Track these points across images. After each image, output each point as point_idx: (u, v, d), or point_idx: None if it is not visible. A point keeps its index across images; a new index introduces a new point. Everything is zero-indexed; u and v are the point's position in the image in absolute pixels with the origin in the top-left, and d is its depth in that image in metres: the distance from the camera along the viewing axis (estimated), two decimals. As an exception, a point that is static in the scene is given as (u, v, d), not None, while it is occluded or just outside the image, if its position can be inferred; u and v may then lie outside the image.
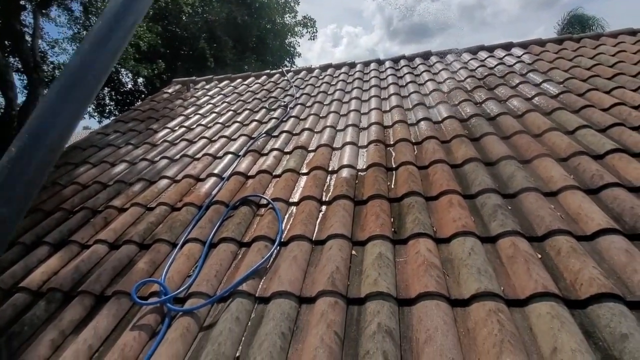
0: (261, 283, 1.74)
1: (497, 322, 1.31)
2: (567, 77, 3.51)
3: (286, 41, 14.98)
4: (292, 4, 14.26)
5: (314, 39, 15.85)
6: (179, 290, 1.76)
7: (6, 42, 6.13)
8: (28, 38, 6.62)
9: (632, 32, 4.57)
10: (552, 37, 4.83)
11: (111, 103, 13.41)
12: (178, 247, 2.08)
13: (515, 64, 4.18)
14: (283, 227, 2.09)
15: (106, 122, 14.10)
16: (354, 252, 1.86)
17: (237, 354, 1.42)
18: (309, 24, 15.32)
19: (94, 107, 12.64)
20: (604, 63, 3.74)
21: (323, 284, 1.60)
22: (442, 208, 2.02)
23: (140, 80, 13.09)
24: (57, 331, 1.67)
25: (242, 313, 1.58)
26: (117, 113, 13.13)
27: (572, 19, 17.30)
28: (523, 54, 4.47)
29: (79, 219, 2.58)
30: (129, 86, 13.50)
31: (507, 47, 4.84)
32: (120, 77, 12.86)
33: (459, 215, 1.87)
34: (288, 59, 15.56)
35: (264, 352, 1.35)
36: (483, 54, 4.76)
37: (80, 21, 9.23)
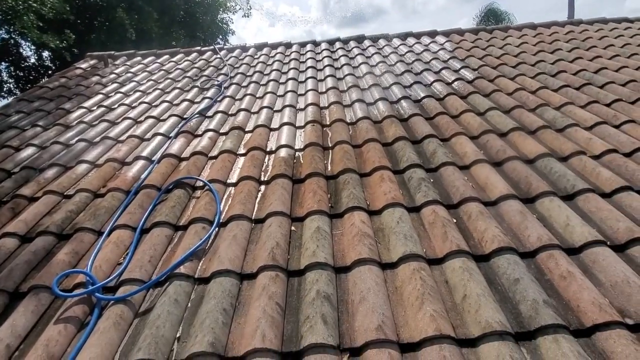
0: (200, 264, 1.72)
1: (420, 279, 1.49)
2: (481, 64, 3.93)
3: (218, 17, 14.08)
4: (222, -23, 13.37)
5: (248, 17, 15.17)
6: (108, 279, 1.66)
7: None
8: None
9: (533, 27, 5.23)
10: (470, 28, 5.32)
11: (10, 80, 11.38)
12: (105, 235, 1.93)
13: (438, 50, 4.52)
14: (221, 208, 2.06)
15: (5, 102, 12.02)
16: (293, 228, 1.92)
17: (178, 335, 1.41)
18: None
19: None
20: (510, 53, 4.25)
21: (264, 259, 1.64)
22: (374, 183, 2.17)
23: (46, 54, 11.28)
24: (-40, 336, 1.47)
25: (181, 295, 1.56)
26: (17, 92, 11.21)
27: (488, 12, 19.08)
28: (445, 42, 4.86)
29: (-22, 212, 2.23)
30: (32, 61, 11.56)
31: (432, 34, 5.21)
32: (21, 50, 10.95)
33: (389, 189, 2.04)
34: (221, 37, 14.68)
35: (205, 329, 1.36)
36: (411, 40, 5.07)
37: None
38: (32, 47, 11.41)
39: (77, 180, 2.50)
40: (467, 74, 3.70)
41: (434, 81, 3.60)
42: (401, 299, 1.47)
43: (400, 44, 4.94)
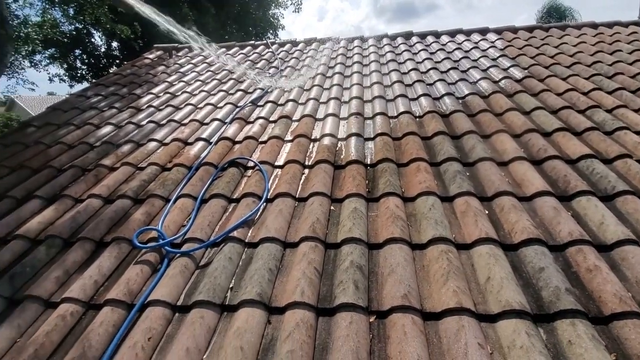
0: (250, 231, 1.97)
1: (447, 259, 1.61)
2: (532, 63, 3.83)
3: (270, 12, 14.59)
4: (277, -26, 13.83)
5: (298, 12, 15.50)
6: (175, 237, 1.96)
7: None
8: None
9: (594, 26, 4.93)
10: (524, 25, 5.13)
11: (83, 67, 12.74)
12: (172, 201, 2.26)
13: (488, 48, 4.45)
14: (269, 186, 2.30)
15: (79, 86, 13.45)
16: (332, 207, 2.11)
17: (231, 285, 1.67)
18: (293, -5, 14.94)
19: (64, 70, 12.01)
20: (565, 52, 4.09)
21: (305, 231, 1.85)
22: (410, 173, 2.30)
23: (115, 44, 12.46)
24: (61, 270, 1.84)
25: (234, 255, 1.81)
26: (89, 77, 12.52)
27: (550, 9, 17.84)
28: (497, 40, 4.75)
29: (69, 176, 2.68)
30: (102, 50, 12.83)
31: (483, 32, 5.10)
32: (93, 39, 12.20)
33: (425, 179, 2.16)
34: (271, 31, 15.22)
35: (254, 282, 1.60)
36: (460, 37, 5.01)
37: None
38: (103, 37, 12.67)
39: (148, 155, 2.88)
40: (516, 73, 3.64)
41: (480, 79, 3.58)
42: (427, 275, 1.61)
43: (449, 41, 4.91)
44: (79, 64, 12.56)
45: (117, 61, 12.75)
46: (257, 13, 13.51)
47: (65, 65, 11.83)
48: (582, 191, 1.94)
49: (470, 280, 1.57)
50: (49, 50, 10.80)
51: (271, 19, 14.74)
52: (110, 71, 13.51)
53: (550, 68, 3.71)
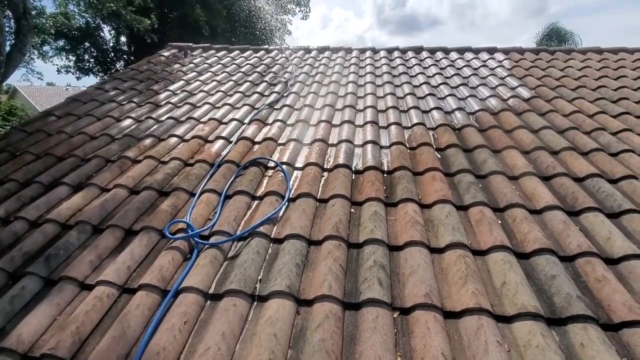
0: (275, 228, 2.07)
1: (464, 263, 1.72)
2: (539, 84, 4.01)
3: (278, 17, 14.83)
4: (288, -19, 14.11)
5: (306, 19, 15.77)
6: (203, 229, 2.04)
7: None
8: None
9: (599, 51, 5.16)
10: (531, 47, 5.34)
11: (90, 60, 12.79)
12: (197, 195, 2.34)
13: (496, 67, 4.63)
14: (290, 186, 2.40)
15: (86, 78, 13.51)
16: (352, 210, 2.21)
17: (260, 277, 1.75)
18: (302, 3, 15.20)
19: (73, 62, 12.06)
20: (570, 75, 4.27)
21: (329, 230, 1.95)
22: (426, 181, 2.41)
23: (123, 39, 12.54)
24: (94, 255, 1.91)
25: (261, 249, 1.90)
26: (97, 70, 12.57)
27: (550, 31, 18.33)
28: (504, 59, 4.94)
29: (94, 166, 2.75)
30: (111, 44, 12.90)
31: (491, 51, 5.30)
32: (102, 33, 12.28)
33: (440, 188, 2.28)
34: (278, 36, 15.45)
35: (283, 275, 1.69)
36: (469, 55, 5.19)
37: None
38: (112, 32, 12.75)
39: (169, 150, 2.96)
40: (524, 92, 3.81)
41: (489, 96, 3.74)
42: (446, 277, 1.72)
43: (458, 58, 5.09)
44: (86, 57, 12.61)
45: (125, 56, 12.87)
46: (266, 18, 13.75)
47: (74, 58, 11.88)
48: (589, 207, 2.07)
49: (487, 283, 1.67)
50: (59, 42, 10.86)
51: (279, 24, 15.00)
52: (118, 65, 13.61)
53: (556, 90, 3.88)
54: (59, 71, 12.81)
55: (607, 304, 1.55)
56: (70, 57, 11.56)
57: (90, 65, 12.66)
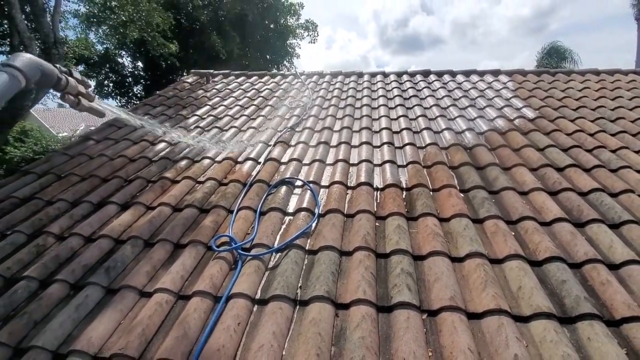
0: (309, 241, 2.29)
1: (483, 270, 1.92)
2: (542, 105, 4.26)
3: (287, 42, 15.51)
4: (297, 8, 14.83)
5: (314, 42, 16.47)
6: (244, 242, 2.28)
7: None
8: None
9: (597, 72, 5.44)
10: (533, 69, 5.64)
11: (109, 84, 13.45)
12: (234, 212, 2.58)
13: (501, 89, 4.91)
14: (319, 203, 2.64)
15: (106, 100, 14.14)
16: (377, 223, 2.43)
17: (300, 284, 1.97)
18: (310, 28, 15.91)
19: (93, 86, 12.75)
20: (571, 96, 4.53)
21: (358, 242, 2.17)
22: (443, 197, 2.64)
23: (140, 64, 13.20)
24: (149, 266, 2.14)
25: (298, 260, 2.12)
26: (115, 94, 13.19)
27: (550, 50, 18.82)
28: (508, 81, 5.23)
29: (137, 186, 3.03)
30: (129, 69, 13.59)
31: (495, 73, 5.60)
32: (120, 59, 12.95)
33: (456, 203, 2.50)
34: (287, 59, 16.09)
35: (321, 282, 1.90)
36: (475, 77, 5.50)
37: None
38: (129, 58, 13.43)
39: (204, 170, 3.24)
40: (529, 113, 4.06)
41: (497, 117, 4.00)
42: (467, 283, 1.92)
43: (464, 80, 5.39)
44: (105, 82, 13.27)
45: (142, 81, 13.52)
46: (278, 43, 14.41)
47: (94, 82, 12.53)
48: (593, 219, 2.27)
49: (504, 288, 1.87)
50: (79, 67, 11.50)
51: (288, 48, 15.67)
52: (135, 89, 14.24)
53: (558, 110, 4.13)
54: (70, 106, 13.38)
55: (610, 303, 1.73)
56: (91, 82, 12.21)
57: (109, 89, 13.33)
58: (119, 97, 13.49)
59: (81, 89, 2.24)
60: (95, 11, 9.15)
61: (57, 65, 2.01)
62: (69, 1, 6.86)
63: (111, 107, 2.83)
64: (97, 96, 2.52)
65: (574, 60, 17.81)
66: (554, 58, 18.97)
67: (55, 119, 32.08)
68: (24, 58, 1.77)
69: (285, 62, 15.88)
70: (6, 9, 5.90)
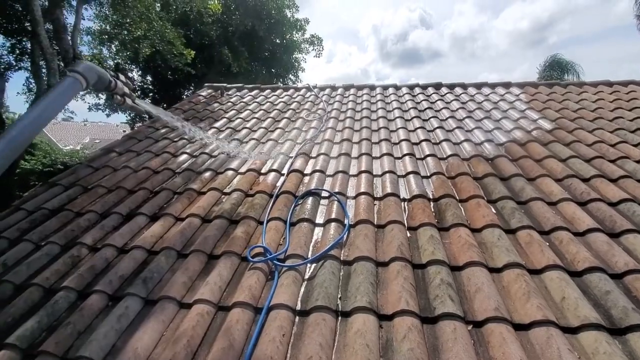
0: (343, 251, 2.29)
1: (524, 281, 1.92)
2: (558, 116, 4.31)
3: (293, 56, 15.79)
4: (303, 23, 15.15)
5: (319, 56, 16.74)
6: (279, 253, 2.28)
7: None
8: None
9: (609, 84, 5.50)
10: (544, 82, 5.71)
11: (119, 97, 13.73)
12: (265, 223, 2.59)
13: (514, 101, 4.97)
14: (348, 214, 2.64)
15: (117, 114, 14.42)
16: (409, 234, 2.43)
17: (339, 295, 1.96)
18: (316, 42, 16.22)
19: (103, 99, 12.92)
20: (586, 108, 4.58)
21: (393, 252, 2.17)
22: (471, 208, 2.64)
23: (149, 78, 13.44)
24: (185, 277, 2.14)
25: (335, 270, 2.12)
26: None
27: (552, 62, 19.05)
28: (520, 93, 5.30)
29: (164, 197, 3.04)
30: (138, 83, 13.83)
31: (507, 85, 5.68)
32: (128, 72, 13.21)
33: (487, 213, 2.50)
34: (293, 72, 16.34)
35: (361, 293, 1.89)
36: (486, 90, 5.57)
37: (104, 15, 9.54)
38: (138, 73, 13.68)
39: (229, 182, 3.26)
40: (545, 124, 4.10)
41: (514, 128, 4.04)
42: (509, 294, 1.91)
43: (476, 93, 5.46)
44: (115, 95, 13.53)
45: (150, 94, 13.75)
46: (284, 57, 14.68)
47: (104, 95, 12.73)
48: (629, 229, 2.27)
49: (547, 299, 1.86)
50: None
51: (293, 62, 15.94)
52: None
53: (575, 121, 4.17)
54: (90, 109, 13.72)
55: (660, 315, 1.72)
56: (101, 95, 12.41)
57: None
58: (128, 110, 13.68)
59: (126, 90, 2.58)
60: (108, 28, 9.38)
61: (108, 70, 2.32)
62: (84, 19, 7.03)
63: (151, 106, 3.08)
64: (135, 96, 2.82)
65: (576, 73, 17.99)
66: (556, 70, 19.19)
67: (62, 132, 32.40)
68: (85, 64, 2.15)
69: (290, 75, 16.14)
70: (29, 27, 6.06)
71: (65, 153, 13.07)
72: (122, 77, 2.58)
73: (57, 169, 10.82)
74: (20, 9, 7.39)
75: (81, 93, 12.92)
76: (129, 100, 2.64)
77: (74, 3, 7.77)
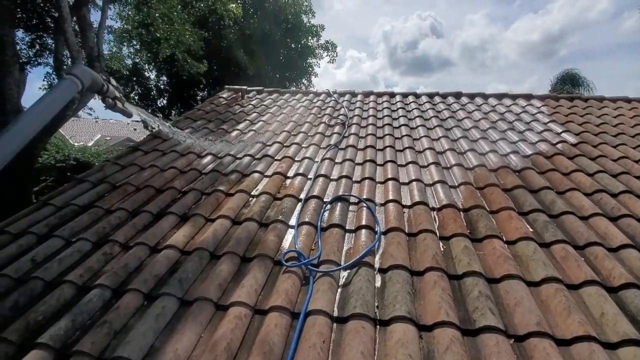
0: (376, 258, 2.29)
1: (564, 296, 1.91)
2: (582, 130, 4.29)
3: (307, 61, 15.93)
4: (318, 29, 15.28)
5: (333, 62, 16.86)
6: (313, 258, 2.28)
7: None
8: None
9: (628, 100, 5.48)
10: (565, 95, 5.71)
11: (135, 96, 13.87)
12: (296, 227, 2.60)
13: (536, 113, 4.96)
14: (378, 221, 2.65)
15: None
16: (441, 244, 2.43)
17: (376, 304, 1.96)
18: (330, 48, 16.34)
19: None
20: (608, 123, 4.56)
21: (429, 262, 2.16)
22: (503, 219, 2.63)
23: (165, 78, 13.62)
24: (220, 278, 2.15)
25: (370, 277, 2.12)
26: (141, 106, 13.61)
27: (565, 76, 18.97)
28: (542, 106, 5.29)
29: (192, 198, 3.07)
30: (154, 83, 14.05)
31: (527, 97, 5.67)
32: (147, 73, 13.40)
33: (520, 225, 2.49)
34: (306, 77, 16.47)
35: (400, 301, 1.89)
36: (507, 101, 5.57)
37: (127, 15, 9.70)
38: (154, 71, 13.86)
39: (256, 184, 3.28)
40: (570, 138, 4.08)
41: (539, 141, 4.02)
42: (548, 309, 1.90)
43: (497, 104, 5.46)
44: (132, 94, 13.70)
45: (166, 94, 13.93)
46: (300, 62, 14.81)
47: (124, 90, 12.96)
48: (665, 247, 2.25)
49: (587, 314, 1.84)
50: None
51: (308, 67, 16.07)
52: (158, 102, 14.62)
53: (599, 136, 4.15)
54: (106, 107, 13.84)
55: None
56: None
57: (135, 101, 13.68)
58: (143, 108, 13.81)
59: (117, 94, 2.77)
60: (130, 27, 9.53)
61: (100, 74, 2.50)
62: (106, 18, 7.17)
63: (140, 110, 3.29)
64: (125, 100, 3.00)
65: (589, 87, 17.89)
66: (568, 84, 19.11)
67: (73, 129, 32.77)
68: (80, 68, 2.30)
69: (303, 80, 16.26)
70: (51, 23, 6.17)
71: (77, 149, 13.24)
72: (113, 81, 2.74)
73: (69, 164, 10.95)
74: (42, 4, 7.54)
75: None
76: (119, 104, 2.80)
77: (99, 2, 7.91)
